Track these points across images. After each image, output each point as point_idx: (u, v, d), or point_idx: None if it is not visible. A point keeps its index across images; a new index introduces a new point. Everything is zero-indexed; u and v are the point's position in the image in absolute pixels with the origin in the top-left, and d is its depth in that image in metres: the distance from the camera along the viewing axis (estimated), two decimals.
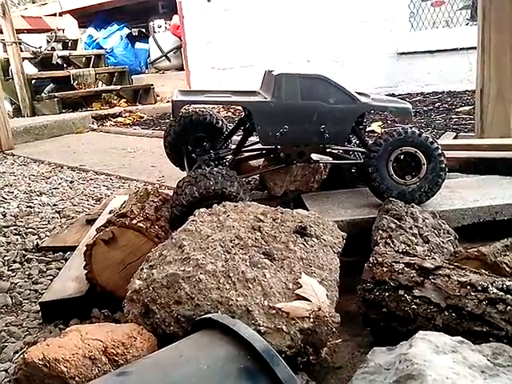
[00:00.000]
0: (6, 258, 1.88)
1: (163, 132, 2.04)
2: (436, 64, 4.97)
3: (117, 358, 0.93)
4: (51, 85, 6.66)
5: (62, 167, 3.54)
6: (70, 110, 6.10)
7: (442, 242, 1.31)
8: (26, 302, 1.55)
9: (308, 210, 1.45)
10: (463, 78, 4.78)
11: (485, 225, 1.48)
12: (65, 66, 7.04)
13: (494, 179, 1.77)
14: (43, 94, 6.14)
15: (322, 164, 1.77)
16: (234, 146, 1.85)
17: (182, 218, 1.35)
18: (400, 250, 1.23)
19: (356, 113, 1.60)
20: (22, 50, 6.05)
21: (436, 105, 4.34)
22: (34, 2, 9.27)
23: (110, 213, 1.82)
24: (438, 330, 0.92)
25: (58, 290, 1.45)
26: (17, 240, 2.07)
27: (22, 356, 0.98)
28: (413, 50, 5.08)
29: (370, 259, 1.15)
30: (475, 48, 2.42)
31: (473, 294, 0.97)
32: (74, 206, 2.54)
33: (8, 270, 1.78)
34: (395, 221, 1.33)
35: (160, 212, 1.50)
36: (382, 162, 1.53)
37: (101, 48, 7.56)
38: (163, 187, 2.61)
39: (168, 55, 7.40)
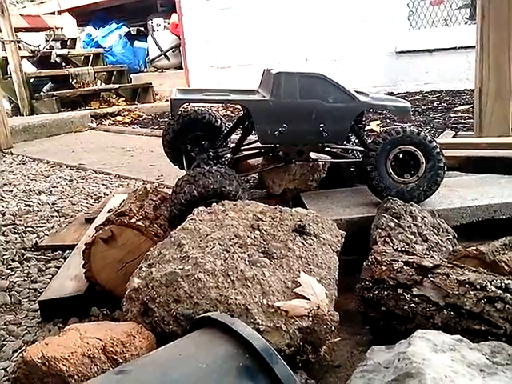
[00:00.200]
0: (4, 257, 1.88)
1: (162, 131, 2.04)
2: (435, 63, 4.98)
3: (116, 357, 0.93)
4: (50, 83, 6.65)
5: (61, 166, 3.53)
6: (68, 109, 6.09)
7: (441, 240, 1.32)
8: (25, 300, 1.55)
9: (307, 208, 1.45)
10: (462, 76, 4.78)
11: (483, 223, 1.49)
12: (63, 64, 7.03)
13: (492, 178, 1.77)
14: (42, 93, 6.13)
15: (320, 163, 1.77)
16: (232, 145, 1.85)
17: (181, 217, 1.35)
18: (399, 249, 1.23)
19: (355, 111, 1.60)
20: (20, 49, 6.03)
21: (435, 104, 4.34)
22: (32, 1, 9.25)
23: (108, 212, 1.82)
24: (437, 329, 0.92)
25: (56, 288, 1.45)
26: (16, 239, 2.07)
27: (21, 355, 0.98)
28: (412, 48, 5.08)
29: (369, 258, 1.15)
30: (474, 47, 2.42)
31: (471, 292, 0.97)
32: (73, 204, 2.54)
33: (7, 269, 1.78)
34: (394, 219, 1.34)
35: (159, 211, 1.50)
36: (380, 161, 1.53)
37: (99, 47, 7.55)
38: (162, 186, 2.61)
39: (167, 54, 7.39)
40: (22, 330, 1.37)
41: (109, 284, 1.36)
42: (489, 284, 0.97)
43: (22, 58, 6.05)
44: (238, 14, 5.94)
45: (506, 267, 1.10)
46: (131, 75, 7.29)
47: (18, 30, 6.21)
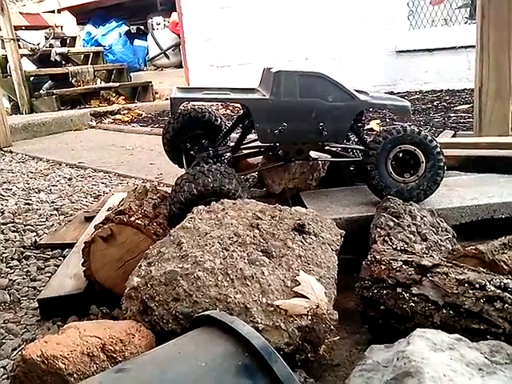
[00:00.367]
0: (4, 255, 1.88)
1: (162, 129, 2.04)
2: (435, 62, 4.97)
3: (115, 355, 0.93)
4: (49, 82, 6.63)
5: (61, 164, 3.53)
6: (68, 108, 6.08)
7: (440, 239, 1.32)
8: (24, 299, 1.55)
9: (306, 207, 1.45)
10: (462, 76, 4.78)
11: (483, 223, 1.49)
12: (63, 63, 7.02)
13: (492, 177, 1.77)
14: (41, 91, 6.12)
15: (320, 162, 1.77)
16: (232, 144, 1.85)
17: (181, 216, 1.35)
18: (398, 248, 1.23)
19: (355, 110, 1.60)
20: (20, 47, 6.03)
21: (435, 103, 4.34)
22: None
23: (108, 210, 1.82)
24: (436, 328, 0.92)
25: (56, 287, 1.45)
26: (15, 237, 2.07)
27: (20, 353, 0.98)
28: (412, 48, 5.08)
29: (368, 257, 1.15)
30: (474, 46, 2.42)
31: (470, 291, 0.97)
32: (73, 203, 2.54)
33: (6, 267, 1.78)
34: (393, 219, 1.34)
35: (158, 209, 1.50)
36: (381, 160, 1.52)
37: (99, 45, 7.54)
38: (162, 184, 2.61)
39: (167, 52, 7.38)
40: (21, 329, 1.37)
41: (108, 282, 1.36)
42: (488, 283, 0.97)
43: (22, 56, 6.04)
44: (238, 13, 5.94)
45: (505, 266, 1.10)
46: (131, 74, 7.28)
47: (17, 28, 6.21)
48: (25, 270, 1.75)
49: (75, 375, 0.89)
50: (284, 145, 1.61)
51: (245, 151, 1.81)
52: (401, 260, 1.10)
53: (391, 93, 5.03)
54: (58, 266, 1.71)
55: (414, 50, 5.07)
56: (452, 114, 3.73)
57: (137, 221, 1.35)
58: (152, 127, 4.93)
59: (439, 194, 1.58)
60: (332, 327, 1.01)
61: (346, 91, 1.56)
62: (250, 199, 1.39)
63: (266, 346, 0.75)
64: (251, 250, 1.12)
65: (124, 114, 5.79)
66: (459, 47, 4.72)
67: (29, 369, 0.89)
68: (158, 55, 7.45)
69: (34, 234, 2.11)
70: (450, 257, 1.22)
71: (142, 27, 8.15)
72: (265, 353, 0.74)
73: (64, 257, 1.80)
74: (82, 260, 1.37)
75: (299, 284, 1.05)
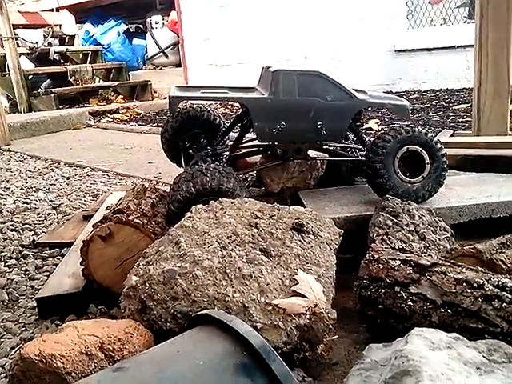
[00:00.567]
0: (2, 254, 1.87)
1: (160, 128, 2.03)
2: (433, 62, 4.97)
3: (113, 354, 0.93)
4: (48, 81, 6.63)
5: (59, 163, 3.53)
6: (66, 106, 6.08)
7: (439, 239, 1.32)
8: (22, 297, 1.55)
9: (305, 206, 1.45)
10: (461, 75, 4.78)
11: (481, 222, 1.49)
12: (62, 61, 7.02)
13: (490, 177, 1.77)
14: (40, 90, 6.12)
15: (318, 161, 1.77)
16: (230, 143, 1.85)
17: (179, 214, 1.35)
18: (396, 247, 1.23)
19: (353, 109, 1.60)
20: (18, 46, 6.02)
21: (433, 102, 4.34)
22: None
23: (106, 209, 1.82)
24: (434, 327, 0.92)
25: (54, 285, 1.45)
26: (13, 236, 2.07)
27: (18, 352, 0.98)
28: (410, 47, 5.08)
29: (367, 256, 1.15)
30: (473, 46, 2.43)
31: (469, 290, 0.97)
32: (71, 202, 2.54)
33: (4, 266, 1.78)
34: (392, 218, 1.34)
35: (157, 208, 1.50)
36: (389, 159, 1.50)
37: (98, 44, 7.54)
38: (160, 184, 2.61)
39: (165, 51, 7.37)
40: (19, 328, 1.37)
41: (106, 281, 1.36)
42: (486, 282, 0.97)
43: (20, 54, 6.03)
44: (237, 12, 5.93)
45: (503, 266, 1.10)
46: (130, 73, 7.28)
47: (16, 26, 6.20)
48: (23, 268, 1.75)
49: (73, 374, 0.89)
50: (282, 144, 1.61)
51: (243, 150, 1.80)
52: (399, 259, 1.10)
53: (390, 92, 5.03)
54: (56, 264, 1.71)
55: (413, 50, 5.08)
56: (451, 114, 3.74)
57: (135, 220, 1.35)
58: (151, 126, 4.93)
59: (437, 194, 1.58)
60: (330, 326, 1.01)
61: (344, 90, 1.55)
62: (249, 198, 1.39)
63: (265, 345, 0.76)
64: (250, 249, 1.12)
65: (123, 113, 5.78)
66: (458, 46, 4.73)
67: (27, 368, 0.89)
68: (157, 54, 7.45)
69: (33, 232, 2.11)
70: (449, 256, 1.22)
71: (141, 26, 8.14)
72: (263, 352, 0.74)
73: (62, 256, 1.79)
74: (81, 259, 1.37)
75: (297, 283, 1.05)
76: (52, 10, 7.82)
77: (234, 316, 0.87)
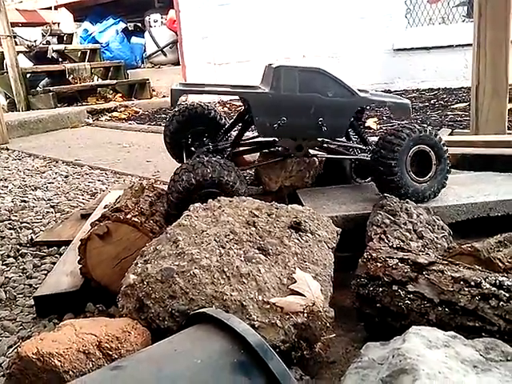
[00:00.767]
0: (0, 253, 1.87)
1: (159, 127, 2.03)
2: (432, 61, 4.98)
3: (111, 353, 0.93)
4: (46, 79, 6.61)
5: (57, 162, 3.52)
6: (65, 105, 6.07)
7: (436, 237, 1.32)
8: (20, 296, 1.55)
9: (303, 205, 1.45)
10: (459, 74, 4.79)
11: (479, 221, 1.49)
12: (60, 60, 7.00)
13: (488, 176, 1.78)
14: (38, 88, 6.10)
15: (317, 160, 1.77)
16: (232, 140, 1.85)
17: (178, 205, 1.35)
18: (394, 246, 1.23)
19: (354, 106, 1.60)
20: (16, 44, 6.00)
21: (432, 101, 4.35)
22: None
23: (104, 208, 1.82)
24: (432, 325, 0.92)
25: (52, 284, 1.45)
26: (11, 234, 2.07)
27: (15, 350, 0.98)
28: (409, 46, 5.08)
29: (364, 254, 1.15)
30: (471, 45, 2.43)
31: (466, 289, 0.98)
32: (69, 200, 2.54)
33: (2, 265, 1.77)
34: (390, 216, 1.34)
35: (155, 207, 1.50)
36: (403, 157, 1.49)
37: (96, 42, 7.52)
38: (158, 182, 2.60)
39: (164, 50, 7.37)
40: (16, 326, 1.37)
41: (104, 280, 1.36)
42: (483, 281, 0.97)
43: (19, 53, 6.01)
44: (236, 11, 5.93)
45: (501, 264, 1.10)
46: (128, 71, 7.26)
47: (14, 24, 6.19)
48: (21, 267, 1.74)
49: (71, 372, 0.89)
50: (283, 140, 1.61)
51: (244, 147, 1.80)
52: (397, 258, 1.10)
53: (388, 91, 5.03)
54: (54, 263, 1.71)
55: (412, 49, 5.08)
56: (449, 113, 3.74)
57: (133, 218, 1.35)
58: (149, 125, 4.92)
59: None
60: (328, 325, 1.01)
61: (345, 87, 1.56)
62: (247, 197, 1.39)
63: (262, 344, 0.76)
64: (247, 248, 1.12)
65: (121, 112, 5.78)
66: (456, 45, 4.73)
67: (24, 366, 0.89)
68: (155, 52, 7.44)
69: (31, 231, 2.10)
70: (446, 255, 1.22)
71: (140, 24, 8.13)
72: (260, 350, 0.74)
73: (60, 254, 1.79)
74: (79, 257, 1.37)
75: (295, 281, 1.05)
76: (50, 8, 7.81)
77: (231, 314, 0.87)
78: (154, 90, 6.92)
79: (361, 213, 1.47)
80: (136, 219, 1.35)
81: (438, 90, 4.88)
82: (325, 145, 1.69)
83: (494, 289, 0.95)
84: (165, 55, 7.40)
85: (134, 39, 7.81)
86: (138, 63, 7.85)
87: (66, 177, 3.06)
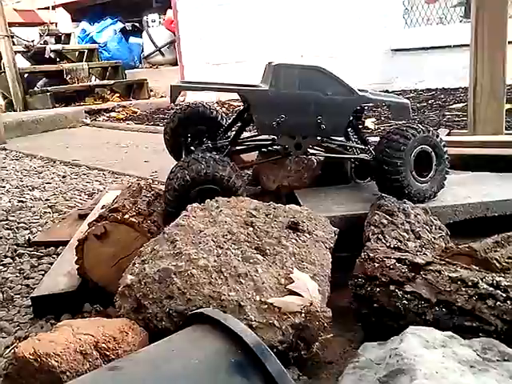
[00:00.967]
0: None
1: (157, 127, 2.04)
2: (430, 61, 4.99)
3: (108, 353, 0.93)
4: (44, 79, 6.61)
5: (55, 162, 3.52)
6: (62, 105, 6.06)
7: (434, 237, 1.32)
8: (17, 296, 1.54)
9: (301, 205, 1.45)
10: (457, 75, 4.79)
11: (476, 221, 1.49)
12: (58, 60, 6.99)
13: (485, 176, 1.78)
14: (36, 89, 6.10)
15: (315, 160, 1.77)
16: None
17: (176, 203, 1.35)
18: (392, 246, 1.23)
19: (353, 105, 1.60)
20: (14, 44, 6.00)
21: (429, 101, 4.36)
22: None
23: (102, 208, 1.81)
24: (429, 325, 0.92)
25: (49, 284, 1.45)
26: (8, 235, 2.06)
27: (12, 351, 0.97)
28: (407, 46, 5.09)
29: (362, 255, 1.15)
30: (469, 45, 2.43)
31: (463, 289, 0.98)
32: (67, 200, 2.53)
33: None
34: (387, 216, 1.34)
35: (152, 207, 1.50)
36: (407, 157, 1.50)
37: (94, 42, 7.52)
38: (156, 182, 2.60)
39: (162, 50, 7.37)
40: (14, 327, 1.36)
41: (102, 280, 1.36)
42: (480, 281, 0.97)
43: (16, 53, 6.01)
44: (234, 11, 5.93)
45: (498, 264, 1.10)
46: (126, 71, 7.26)
47: (11, 24, 6.17)
48: (18, 267, 1.74)
49: (68, 373, 0.88)
50: (282, 138, 1.61)
51: (243, 146, 1.80)
52: (394, 258, 1.10)
53: (386, 91, 5.03)
54: (51, 263, 1.71)
55: (410, 49, 5.09)
56: (447, 113, 3.75)
57: (131, 218, 1.35)
58: (147, 125, 4.91)
59: None
60: (325, 325, 1.01)
61: (344, 85, 1.56)
62: (245, 197, 1.39)
63: (259, 344, 0.76)
64: (245, 248, 1.12)
65: (119, 112, 5.77)
66: (454, 46, 4.74)
67: (21, 367, 0.89)
68: (153, 53, 7.45)
69: (28, 231, 2.10)
70: (443, 255, 1.22)
71: (137, 24, 8.13)
72: (258, 350, 0.74)
73: (58, 255, 1.79)
74: (76, 258, 1.37)
75: (293, 282, 1.05)
76: (48, 8, 7.79)
77: (229, 315, 0.87)
78: (151, 90, 6.91)
79: (358, 213, 1.47)
80: (134, 219, 1.35)
81: (435, 91, 4.89)
82: (324, 144, 1.69)
83: (491, 289, 0.95)
84: (163, 55, 7.40)
85: (132, 39, 7.82)
86: (136, 63, 7.86)
87: (64, 177, 3.05)
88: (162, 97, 6.69)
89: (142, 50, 7.69)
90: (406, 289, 1.03)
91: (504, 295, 0.94)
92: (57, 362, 0.88)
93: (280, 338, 0.98)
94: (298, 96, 1.54)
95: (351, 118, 1.66)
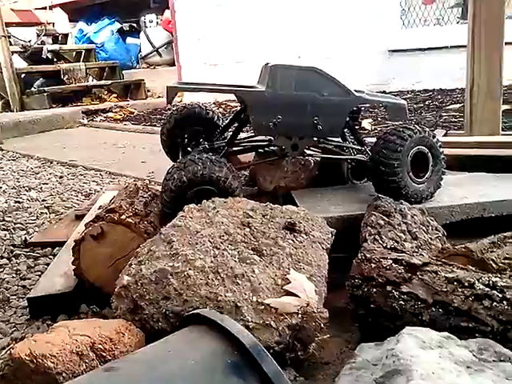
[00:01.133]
0: None
1: (154, 127, 2.04)
2: (427, 62, 4.99)
3: (104, 354, 0.93)
4: (41, 79, 6.58)
5: (52, 162, 3.51)
6: (59, 105, 6.04)
7: (430, 238, 1.32)
8: (13, 297, 1.54)
9: (297, 206, 1.45)
10: (453, 75, 4.80)
11: (473, 222, 1.50)
12: (55, 60, 6.97)
13: (482, 177, 1.78)
14: (33, 89, 6.08)
15: (312, 160, 1.77)
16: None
17: (172, 204, 1.35)
18: (388, 247, 1.23)
19: (350, 105, 1.60)
20: (11, 44, 5.99)
21: (426, 102, 4.36)
22: None
23: (99, 208, 1.81)
24: (425, 326, 0.92)
25: (46, 285, 1.44)
26: (5, 235, 2.05)
27: (8, 352, 0.97)
28: (404, 47, 5.09)
29: (359, 255, 1.16)
30: (466, 46, 2.44)
31: (460, 290, 0.98)
32: (63, 201, 2.53)
33: None
34: (384, 217, 1.34)
35: (149, 208, 1.50)
36: (404, 158, 1.50)
37: (91, 42, 7.50)
38: (153, 183, 2.60)
39: (159, 50, 7.36)
40: (10, 327, 1.36)
41: (98, 281, 1.36)
42: (477, 282, 0.98)
43: (13, 53, 5.99)
44: (231, 11, 5.93)
45: (494, 265, 1.11)
46: (123, 72, 7.24)
47: (8, 24, 6.16)
48: (14, 268, 1.73)
49: (64, 374, 0.88)
50: (279, 139, 1.61)
51: (240, 147, 1.80)
52: (391, 258, 1.10)
53: (384, 92, 5.04)
54: (48, 264, 1.70)
55: (407, 50, 5.09)
56: (443, 113, 3.75)
57: (127, 219, 1.35)
58: (144, 125, 4.91)
59: None
60: (322, 325, 1.01)
61: (341, 86, 1.56)
62: (242, 198, 1.39)
63: (256, 344, 0.75)
64: (242, 249, 1.12)
65: (116, 112, 5.76)
66: (451, 47, 4.74)
67: (17, 368, 0.89)
68: (151, 53, 7.43)
69: (25, 232, 2.09)
70: (440, 255, 1.22)
71: (135, 25, 8.11)
72: (254, 351, 0.74)
73: (54, 255, 1.78)
74: (73, 258, 1.37)
75: (290, 282, 1.05)
76: (45, 8, 7.77)
77: (225, 315, 0.87)
78: (149, 91, 6.90)
79: (355, 214, 1.47)
80: (130, 220, 1.35)
81: (432, 91, 4.89)
82: (321, 145, 1.69)
83: (487, 289, 0.96)
84: (160, 56, 7.39)
85: (130, 40, 7.80)
86: (133, 64, 7.84)
87: (61, 177, 3.05)
88: (159, 97, 6.67)
89: (140, 51, 7.67)
90: (403, 289, 1.04)
91: (500, 296, 0.94)
92: (53, 363, 0.88)
93: (277, 339, 0.98)
94: (295, 97, 1.54)
95: (348, 119, 1.66)
